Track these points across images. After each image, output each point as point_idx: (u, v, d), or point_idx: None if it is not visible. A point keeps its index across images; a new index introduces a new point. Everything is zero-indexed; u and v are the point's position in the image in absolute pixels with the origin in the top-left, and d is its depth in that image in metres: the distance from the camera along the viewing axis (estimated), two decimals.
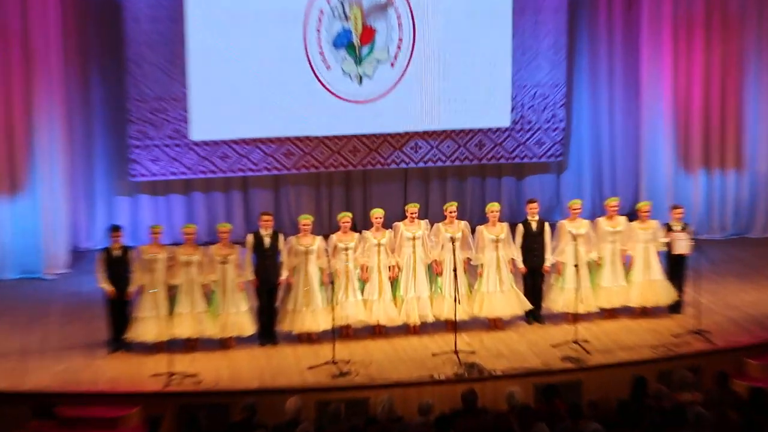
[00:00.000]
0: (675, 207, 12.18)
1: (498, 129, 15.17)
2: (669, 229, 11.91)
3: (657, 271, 11.90)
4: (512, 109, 15.07)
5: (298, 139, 14.68)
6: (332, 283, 11.06)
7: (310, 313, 11.23)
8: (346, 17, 14.40)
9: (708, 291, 12.47)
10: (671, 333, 11.46)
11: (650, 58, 15.03)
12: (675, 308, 12.06)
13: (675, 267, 12.00)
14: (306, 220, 11.42)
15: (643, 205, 12.11)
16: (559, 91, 15.21)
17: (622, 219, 11.99)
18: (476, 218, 12.82)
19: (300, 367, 10.76)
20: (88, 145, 14.44)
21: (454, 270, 11.18)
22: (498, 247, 11.56)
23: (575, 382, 10.44)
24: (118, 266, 11.04)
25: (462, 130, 15.08)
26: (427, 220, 11.74)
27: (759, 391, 8.89)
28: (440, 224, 11.62)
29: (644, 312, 12.01)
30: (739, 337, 11.41)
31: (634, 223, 11.95)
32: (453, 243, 11.33)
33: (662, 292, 11.94)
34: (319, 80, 14.45)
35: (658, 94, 15.09)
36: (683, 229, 11.89)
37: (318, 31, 14.34)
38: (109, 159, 14.55)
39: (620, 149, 15.57)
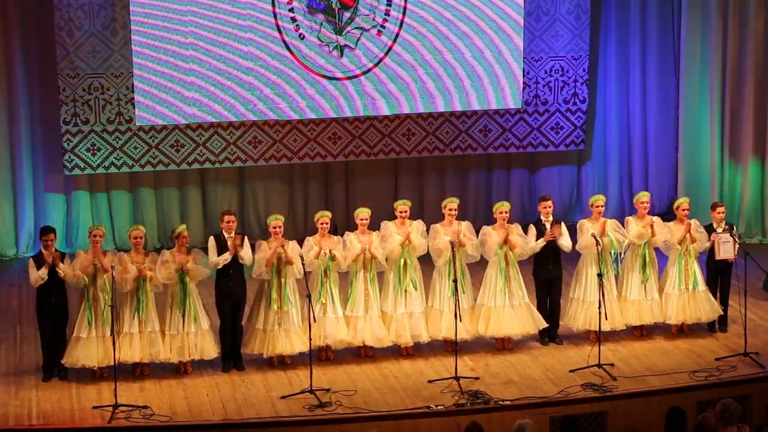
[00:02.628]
0: (717, 205, 12.60)
1: (507, 111, 15.52)
2: (711, 230, 12.34)
3: (697, 281, 12.32)
4: (524, 87, 15.40)
5: (266, 123, 15.01)
6: (308, 296, 11.38)
7: (283, 332, 11.60)
8: None
9: (758, 305, 12.95)
10: (714, 355, 11.89)
11: (693, 24, 15.37)
12: (718, 325, 12.52)
13: (718, 276, 12.44)
14: (277, 221, 11.73)
15: (682, 203, 12.46)
16: (580, 65, 15.57)
17: (656, 219, 12.38)
18: (480, 219, 13.13)
19: (271, 396, 11.11)
20: (9, 132, 14.64)
21: (455, 280, 11.61)
22: (508, 254, 11.99)
23: (599, 414, 10.85)
24: (50, 276, 11.30)
25: (463, 113, 15.43)
26: (420, 221, 12.11)
27: None
28: (438, 225, 12.00)
29: (682, 330, 12.45)
30: None
31: (671, 224, 12.35)
32: (453, 247, 11.72)
33: (703, 307, 12.36)
34: (291, 52, 14.77)
35: (703, 68, 15.46)
36: (726, 231, 12.31)
37: None
38: (36, 149, 14.78)
39: (654, 135, 15.96)
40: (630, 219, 12.43)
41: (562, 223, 12.25)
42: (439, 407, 10.81)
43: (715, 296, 12.47)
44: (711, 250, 12.33)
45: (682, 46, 15.56)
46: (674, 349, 12.17)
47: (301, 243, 11.81)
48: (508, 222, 12.07)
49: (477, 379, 11.43)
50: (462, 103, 15.32)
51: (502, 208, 12.15)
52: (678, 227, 12.32)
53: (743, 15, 15.38)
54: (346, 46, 14.92)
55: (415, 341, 11.95)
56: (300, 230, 14.76)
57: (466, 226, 12.02)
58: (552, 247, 12.11)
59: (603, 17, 15.73)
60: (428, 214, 12.98)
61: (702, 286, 12.37)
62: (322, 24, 14.81)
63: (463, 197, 14.69)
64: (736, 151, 15.71)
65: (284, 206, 15.32)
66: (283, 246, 11.54)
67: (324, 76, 14.94)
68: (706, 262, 12.46)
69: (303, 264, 11.64)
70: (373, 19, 14.94)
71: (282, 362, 11.74)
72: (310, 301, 11.32)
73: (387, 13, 14.97)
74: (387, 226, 11.98)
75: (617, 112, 16.03)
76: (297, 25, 14.76)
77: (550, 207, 12.22)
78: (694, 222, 12.39)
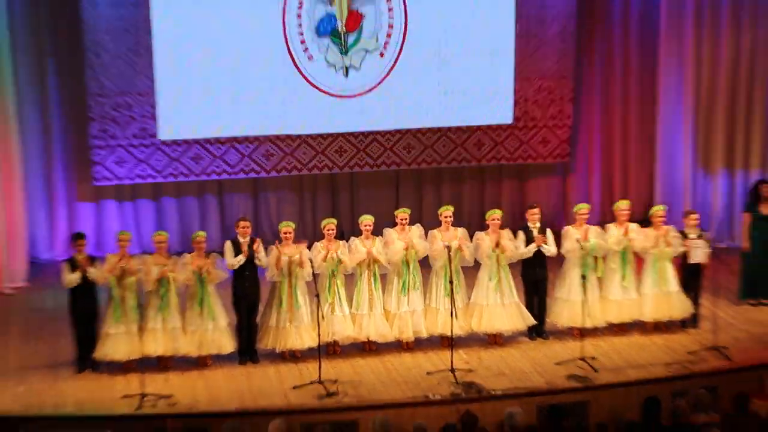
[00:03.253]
0: (690, 212, 12.80)
1: (499, 126, 15.64)
2: (684, 236, 12.54)
3: (671, 282, 12.55)
4: (515, 104, 15.53)
5: (278, 138, 15.16)
6: (317, 296, 11.60)
7: (294, 329, 11.83)
8: (330, 1, 14.83)
9: (726, 304, 13.15)
10: (686, 349, 12.08)
11: (669, 47, 15.51)
12: (690, 322, 12.72)
13: (691, 277, 12.63)
14: (287, 227, 11.95)
15: (658, 210, 12.70)
16: (566, 84, 15.68)
17: (634, 225, 12.60)
18: (474, 225, 13.26)
19: (283, 387, 11.33)
20: (45, 146, 14.85)
21: (450, 281, 11.84)
22: (500, 257, 12.24)
23: (582, 403, 10.99)
24: (83, 279, 11.53)
25: (459, 128, 15.57)
26: (418, 224, 12.32)
27: None
28: (435, 231, 12.23)
29: (657, 327, 12.64)
30: (759, 353, 11.96)
31: (648, 230, 12.54)
32: (449, 251, 11.95)
33: (677, 305, 12.58)
34: (301, 72, 14.95)
35: (678, 86, 15.61)
36: (700, 237, 12.50)
37: (299, 16, 14.80)
38: (69, 161, 14.98)
39: (633, 149, 16.12)
40: (611, 226, 12.62)
41: (548, 230, 12.48)
42: (436, 397, 11.01)
43: (687, 296, 12.66)
44: (684, 254, 12.54)
45: (659, 67, 15.70)
46: (650, 344, 12.36)
47: (310, 248, 12.01)
48: (499, 228, 12.29)
49: (471, 371, 11.63)
50: (457, 119, 15.49)
51: (494, 215, 12.36)
52: (654, 233, 12.52)
53: (715, 40, 15.52)
54: (351, 66, 15.08)
55: (415, 337, 12.14)
56: (309, 236, 14.88)
57: (462, 232, 12.23)
58: (539, 251, 12.34)
59: (587, 40, 15.86)
60: (426, 221, 13.09)
61: (675, 286, 12.56)
62: (328, 47, 14.96)
63: (458, 205, 14.66)
64: (707, 164, 15.88)
65: (295, 214, 15.49)
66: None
67: (331, 95, 15.12)
68: (680, 265, 12.65)
69: (312, 267, 11.89)
70: (376, 41, 15.08)
71: (293, 356, 11.93)
72: (318, 300, 11.51)
73: (388, 37, 15.12)
74: (389, 232, 12.20)
75: (600, 128, 16.19)
76: (306, 48, 14.92)
77: (537, 214, 12.41)
78: (669, 228, 12.59)
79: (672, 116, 15.78)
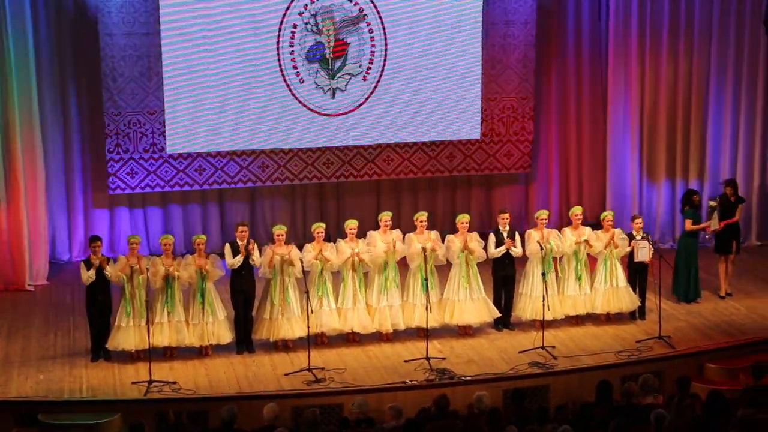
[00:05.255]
0: (636, 217, 12.72)
1: (468, 141, 15.51)
2: (631, 237, 12.41)
3: (620, 278, 12.39)
4: (482, 122, 15.43)
5: (272, 151, 14.99)
6: (307, 292, 11.40)
7: (286, 321, 11.61)
8: (319, 31, 14.70)
9: (669, 298, 12.95)
10: (635, 338, 11.95)
11: (617, 70, 15.46)
12: (638, 314, 12.57)
13: (637, 274, 12.52)
14: (280, 230, 11.77)
15: (607, 215, 12.59)
16: (527, 104, 15.57)
17: (587, 228, 12.46)
18: (447, 228, 13.15)
19: (276, 374, 11.14)
20: (66, 159, 14.63)
21: (426, 279, 11.61)
22: (468, 257, 11.98)
23: (543, 387, 10.92)
24: (97, 277, 11.34)
25: (433, 143, 15.42)
26: (398, 230, 12.12)
27: (716, 393, 9.34)
28: (412, 234, 12.03)
29: (608, 318, 12.49)
30: (698, 342, 11.91)
31: (599, 232, 12.42)
32: (425, 252, 11.74)
33: (625, 299, 12.43)
34: (293, 94, 14.75)
35: (625, 106, 15.54)
36: (644, 238, 12.39)
37: (291, 45, 14.66)
38: (86, 173, 14.74)
39: (587, 160, 15.99)
40: (566, 229, 12.47)
41: (516, 233, 12.26)
42: (413, 382, 10.86)
43: (634, 291, 12.52)
44: (631, 254, 12.41)
45: (608, 89, 15.63)
46: (603, 334, 12.21)
47: (301, 249, 11.81)
48: (468, 231, 12.07)
49: (444, 359, 11.46)
50: (431, 135, 15.34)
51: (462, 219, 12.20)
52: (604, 235, 12.38)
53: (656, 64, 15.47)
54: (337, 89, 14.92)
55: (394, 329, 11.95)
56: (300, 238, 14.71)
57: (435, 235, 12.04)
58: (507, 252, 12.16)
59: (545, 65, 15.76)
60: (404, 225, 13.02)
61: (623, 282, 12.42)
62: (318, 71, 14.80)
63: (432, 211, 14.66)
64: (652, 173, 15.77)
65: (287, 218, 15.25)
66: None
67: (320, 114, 14.93)
68: (627, 263, 12.51)
69: (302, 265, 11.63)
70: (360, 67, 14.93)
71: (285, 346, 11.73)
72: (308, 296, 11.33)
73: (370, 63, 14.97)
74: (372, 235, 12.01)
75: (557, 143, 16.04)
76: (298, 73, 14.75)
77: (507, 219, 12.25)
78: (617, 231, 12.45)
79: (620, 132, 15.71)
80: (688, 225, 13.11)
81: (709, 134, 15.66)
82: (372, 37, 14.93)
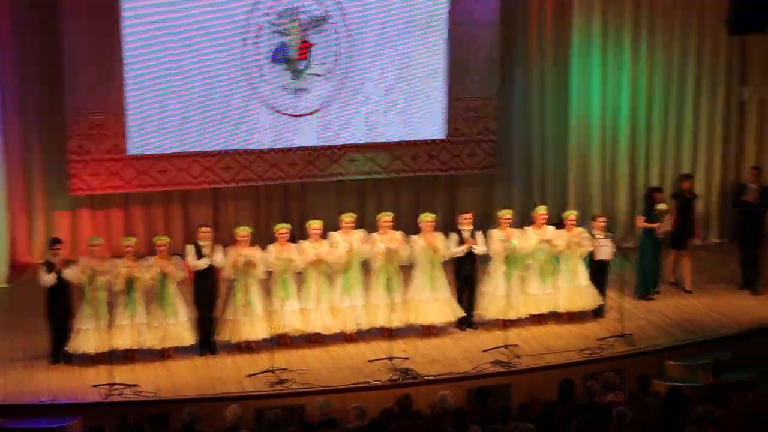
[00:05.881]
0: (598, 216, 12.78)
1: (433, 141, 15.47)
2: (593, 236, 12.46)
3: (582, 277, 12.42)
4: (447, 122, 15.41)
5: (236, 152, 14.88)
6: (270, 293, 11.36)
7: (249, 322, 11.54)
8: (284, 32, 14.63)
9: (630, 296, 12.99)
10: (596, 337, 11.99)
11: (580, 71, 15.52)
12: (599, 313, 12.61)
13: (599, 273, 12.56)
14: (244, 231, 11.74)
15: (570, 214, 12.64)
16: (491, 104, 15.54)
17: (550, 228, 12.48)
18: (411, 229, 13.14)
19: (239, 375, 11.07)
20: (26, 161, 14.47)
21: (389, 279, 11.60)
22: (432, 258, 11.95)
23: (506, 385, 10.93)
24: (57, 279, 11.20)
25: (398, 143, 15.36)
26: (362, 230, 12.08)
27: (676, 390, 9.44)
28: (376, 234, 12.02)
29: (571, 317, 12.52)
30: (659, 339, 11.99)
31: (561, 231, 12.45)
32: (388, 253, 11.71)
33: (587, 298, 12.48)
34: (258, 94, 14.65)
35: (588, 107, 15.60)
36: (606, 237, 12.45)
37: (256, 45, 14.54)
38: (48, 174, 14.58)
39: (550, 160, 16.00)
40: (529, 229, 12.50)
41: (478, 233, 12.25)
42: (376, 382, 10.83)
43: (596, 289, 12.54)
44: (593, 252, 12.43)
45: (571, 89, 15.67)
46: (565, 332, 12.25)
47: (264, 250, 11.74)
48: (433, 230, 12.05)
49: (407, 359, 11.43)
50: (396, 135, 15.28)
51: (426, 218, 12.21)
52: (567, 234, 12.41)
53: (619, 64, 15.53)
54: (302, 89, 14.83)
55: (357, 329, 11.91)
56: (264, 239, 14.61)
57: (400, 235, 12.03)
58: (469, 251, 12.15)
59: (509, 65, 15.75)
60: (368, 225, 12.99)
61: (586, 281, 12.45)
62: (282, 72, 14.72)
63: (397, 212, 14.48)
64: (613, 174, 15.83)
65: (252, 220, 15.07)
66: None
67: (284, 114, 14.85)
68: (589, 261, 12.53)
69: (266, 266, 11.55)
70: (324, 67, 14.85)
71: (248, 347, 11.66)
72: (270, 296, 11.28)
73: (335, 62, 14.88)
74: (333, 235, 11.97)
75: (520, 142, 16.03)
76: (263, 74, 14.65)
77: (469, 218, 12.26)
78: (579, 230, 12.49)
79: (584, 133, 15.71)
80: (640, 222, 13.15)
81: (671, 133, 15.77)
82: (337, 38, 14.87)
